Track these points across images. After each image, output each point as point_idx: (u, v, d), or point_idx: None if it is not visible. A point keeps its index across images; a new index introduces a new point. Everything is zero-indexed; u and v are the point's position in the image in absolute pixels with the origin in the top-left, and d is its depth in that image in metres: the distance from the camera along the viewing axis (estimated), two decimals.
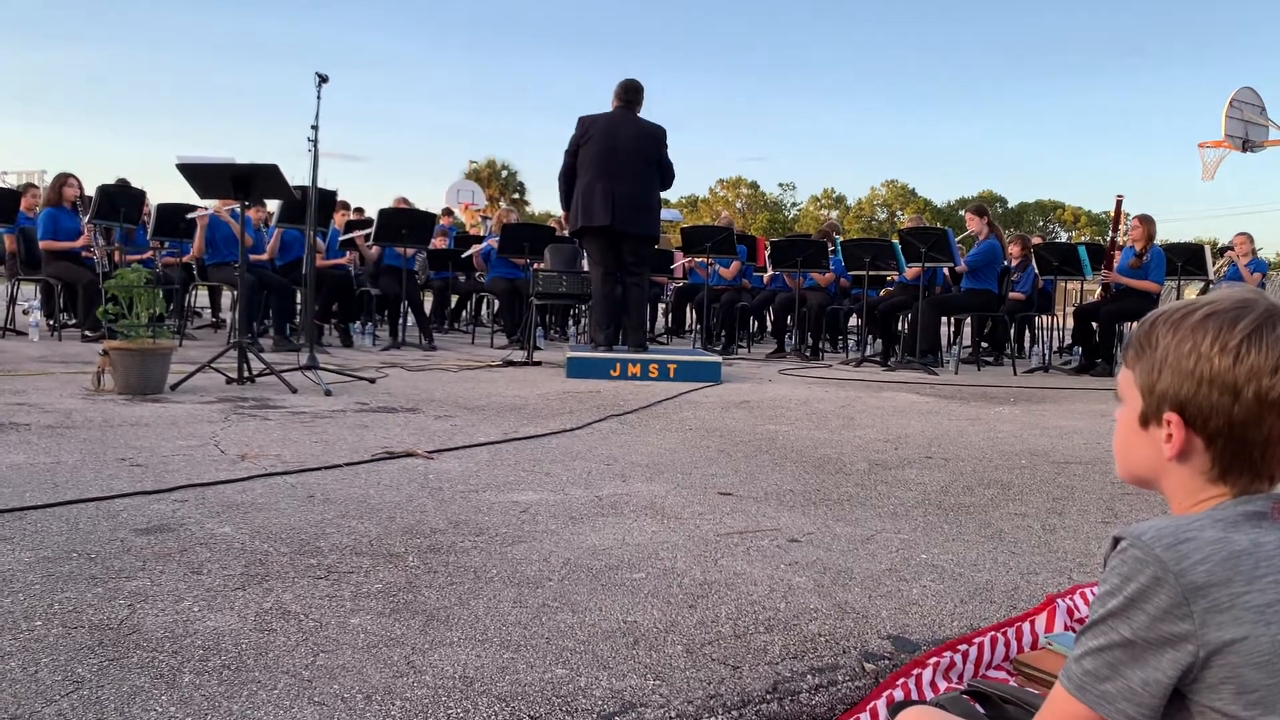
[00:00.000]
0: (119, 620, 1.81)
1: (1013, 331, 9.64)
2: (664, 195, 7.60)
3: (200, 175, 5.70)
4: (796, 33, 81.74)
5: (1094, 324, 8.62)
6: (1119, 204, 9.28)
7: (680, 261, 11.48)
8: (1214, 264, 9.87)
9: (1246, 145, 17.29)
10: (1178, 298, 9.38)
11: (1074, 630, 1.86)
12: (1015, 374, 8.35)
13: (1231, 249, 10.44)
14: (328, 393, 5.17)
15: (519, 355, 7.79)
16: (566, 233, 8.47)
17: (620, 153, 6.97)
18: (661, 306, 12.87)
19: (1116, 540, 0.96)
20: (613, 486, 3.20)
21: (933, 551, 2.54)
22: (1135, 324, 1.08)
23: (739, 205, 64.65)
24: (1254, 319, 0.95)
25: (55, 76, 75.48)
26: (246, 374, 5.46)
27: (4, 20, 74.23)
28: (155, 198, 9.35)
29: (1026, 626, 1.87)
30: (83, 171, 8.80)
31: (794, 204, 69.93)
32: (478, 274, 10.96)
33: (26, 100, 74.48)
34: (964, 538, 2.70)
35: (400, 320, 9.20)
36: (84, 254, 8.30)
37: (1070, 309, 10.47)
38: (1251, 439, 0.95)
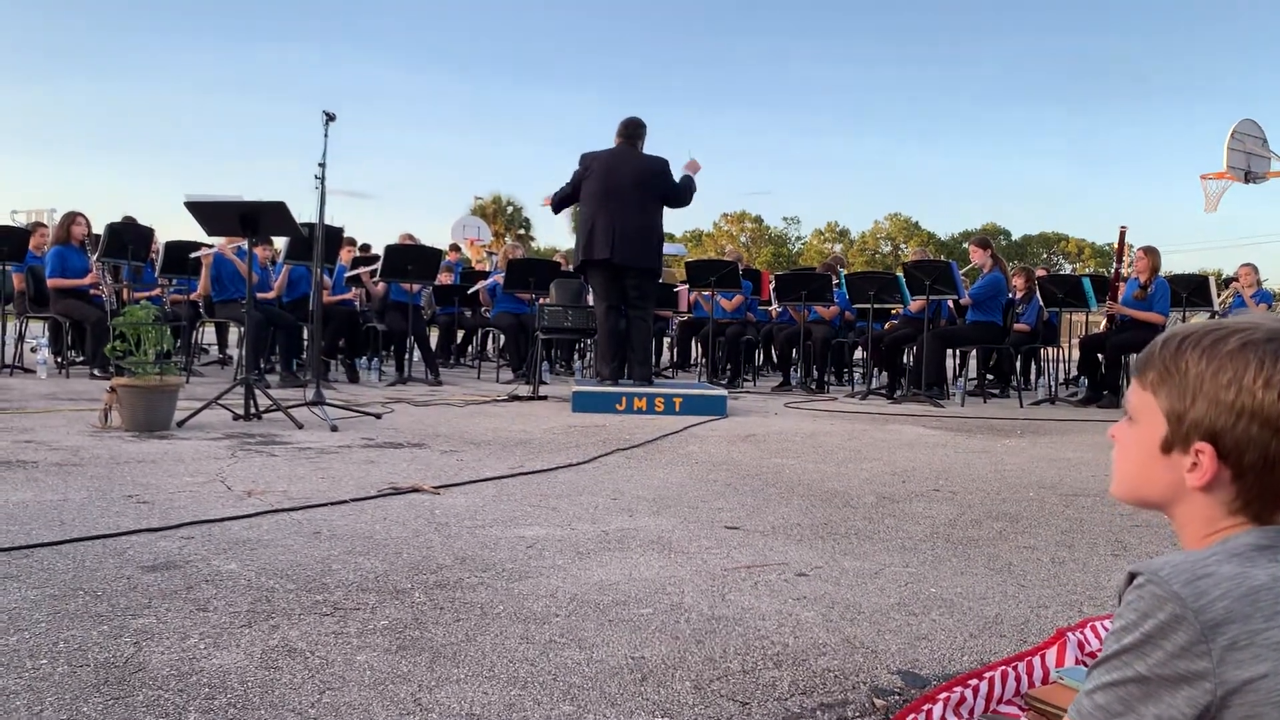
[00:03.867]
0: (125, 658, 1.81)
1: (1018, 364, 9.62)
2: (667, 230, 7.63)
3: (209, 213, 5.74)
4: (798, 67, 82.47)
5: (1100, 355, 8.61)
6: (1123, 235, 9.29)
7: (683, 292, 11.51)
8: (1219, 295, 9.86)
9: (1249, 177, 17.34)
10: None
11: (1085, 664, 1.84)
12: (1021, 406, 8.33)
13: (1236, 280, 10.43)
14: (334, 428, 5.17)
15: (524, 390, 7.80)
16: (571, 267, 8.51)
17: (621, 187, 7.01)
18: (667, 340, 12.88)
19: (1132, 575, 0.94)
20: (619, 521, 3.19)
21: (941, 585, 2.53)
22: (1152, 344, 1.06)
23: (743, 239, 64.86)
24: None
25: (64, 114, 76.37)
26: (253, 410, 5.47)
27: (11, 58, 74.98)
28: (164, 235, 9.42)
29: (1037, 661, 1.85)
30: (91, 209, 8.88)
31: (798, 238, 70.20)
32: (483, 309, 10.99)
33: (34, 138, 75.30)
34: (973, 571, 2.69)
35: (406, 355, 9.22)
36: (92, 292, 8.34)
37: (1075, 341, 10.45)
38: None
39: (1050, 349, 10.14)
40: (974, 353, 9.71)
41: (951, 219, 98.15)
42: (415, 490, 3.57)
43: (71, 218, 8.46)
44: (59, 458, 3.99)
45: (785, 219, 70.50)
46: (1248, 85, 71.01)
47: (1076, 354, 9.52)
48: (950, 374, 9.66)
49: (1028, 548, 3.00)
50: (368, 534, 2.87)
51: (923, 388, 8.48)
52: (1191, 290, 9.30)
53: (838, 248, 64.29)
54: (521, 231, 50.45)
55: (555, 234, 58.44)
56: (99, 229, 8.58)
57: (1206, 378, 0.96)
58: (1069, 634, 1.97)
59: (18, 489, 3.33)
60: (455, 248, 15.57)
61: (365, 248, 11.10)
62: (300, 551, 2.63)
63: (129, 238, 8.25)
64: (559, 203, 7.42)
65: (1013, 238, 66.93)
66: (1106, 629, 0.95)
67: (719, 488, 3.89)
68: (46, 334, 8.88)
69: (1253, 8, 74.24)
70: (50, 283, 8.23)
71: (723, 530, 3.10)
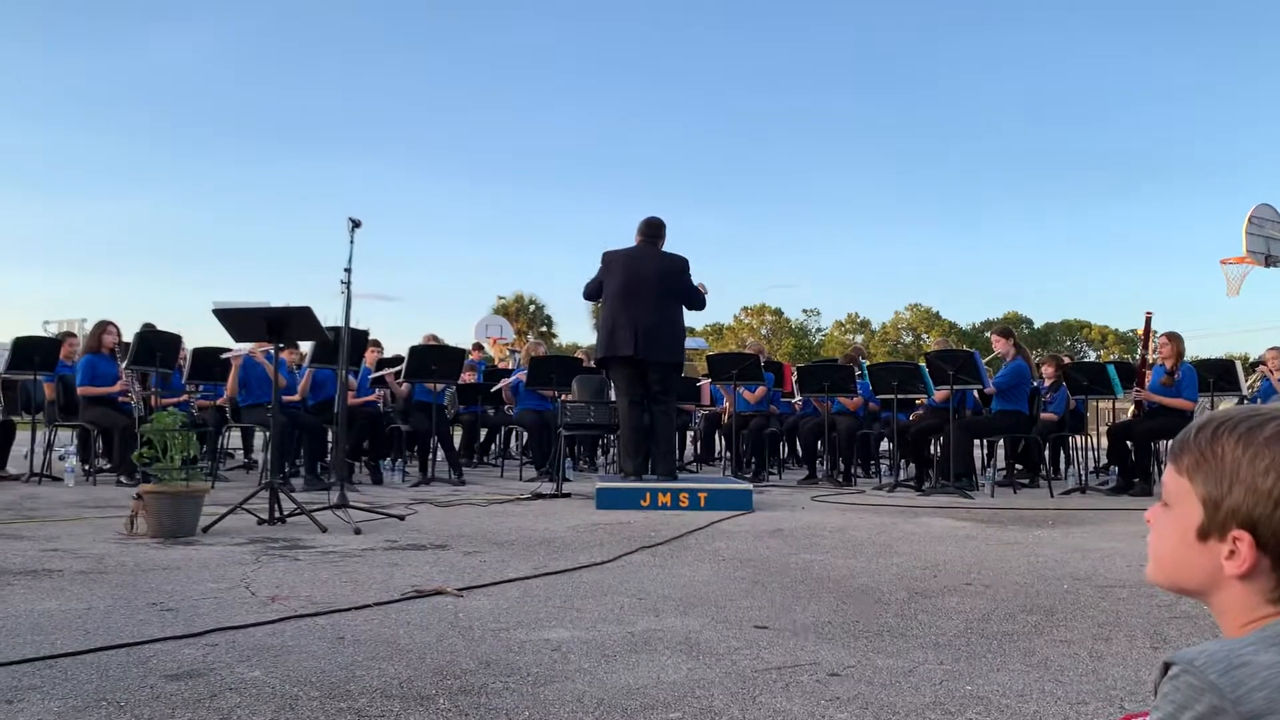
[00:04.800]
0: None
1: (1047, 452, 9.51)
2: (687, 324, 7.69)
3: (236, 320, 5.84)
4: (816, 161, 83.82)
5: (1129, 443, 8.51)
6: (1148, 321, 9.27)
7: (705, 386, 11.52)
8: (1246, 379, 9.77)
9: (1269, 260, 17.32)
10: None
11: None
12: (1052, 496, 8.22)
13: (1264, 364, 10.35)
14: (357, 531, 5.16)
15: (548, 488, 7.77)
16: (592, 363, 8.56)
17: (642, 285, 7.09)
18: (690, 434, 12.85)
19: (1167, 666, 0.92)
20: (645, 622, 3.14)
21: (977, 683, 2.46)
22: (1188, 428, 1.05)
23: (764, 332, 65.12)
24: None
25: (97, 229, 78.39)
26: (278, 514, 5.47)
27: (42, 175, 77.43)
28: (191, 342, 9.57)
29: None
30: (121, 318, 9.02)
31: (819, 329, 70.40)
32: (506, 407, 11.03)
33: (65, 251, 77.16)
34: (1009, 667, 2.62)
35: (430, 456, 9.23)
36: (120, 399, 8.45)
37: (1103, 428, 10.34)
38: None
39: (1078, 437, 10.03)
40: (1001, 442, 9.63)
41: (972, 308, 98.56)
42: (439, 593, 3.53)
43: (103, 327, 8.62)
44: (84, 566, 3.99)
45: (805, 311, 70.87)
46: (1263, 168, 71.45)
47: (1105, 442, 9.41)
48: (978, 464, 9.55)
49: (1064, 642, 2.93)
50: (391, 639, 2.84)
51: (951, 479, 8.39)
52: (1218, 375, 9.22)
53: (859, 338, 64.48)
54: (544, 329, 50.89)
55: (577, 331, 58.89)
56: (129, 337, 8.73)
57: (1243, 464, 0.95)
58: None
59: (43, 598, 3.32)
60: (479, 346, 15.72)
61: (379, 346, 11.21)
62: (324, 657, 2.60)
63: (157, 345, 8.39)
64: (590, 293, 7.51)
65: (1035, 325, 66.87)
66: None
67: (747, 585, 3.84)
68: (75, 442, 8.96)
69: (1262, 93, 75.22)
70: (80, 390, 8.34)
71: (751, 629, 3.05)
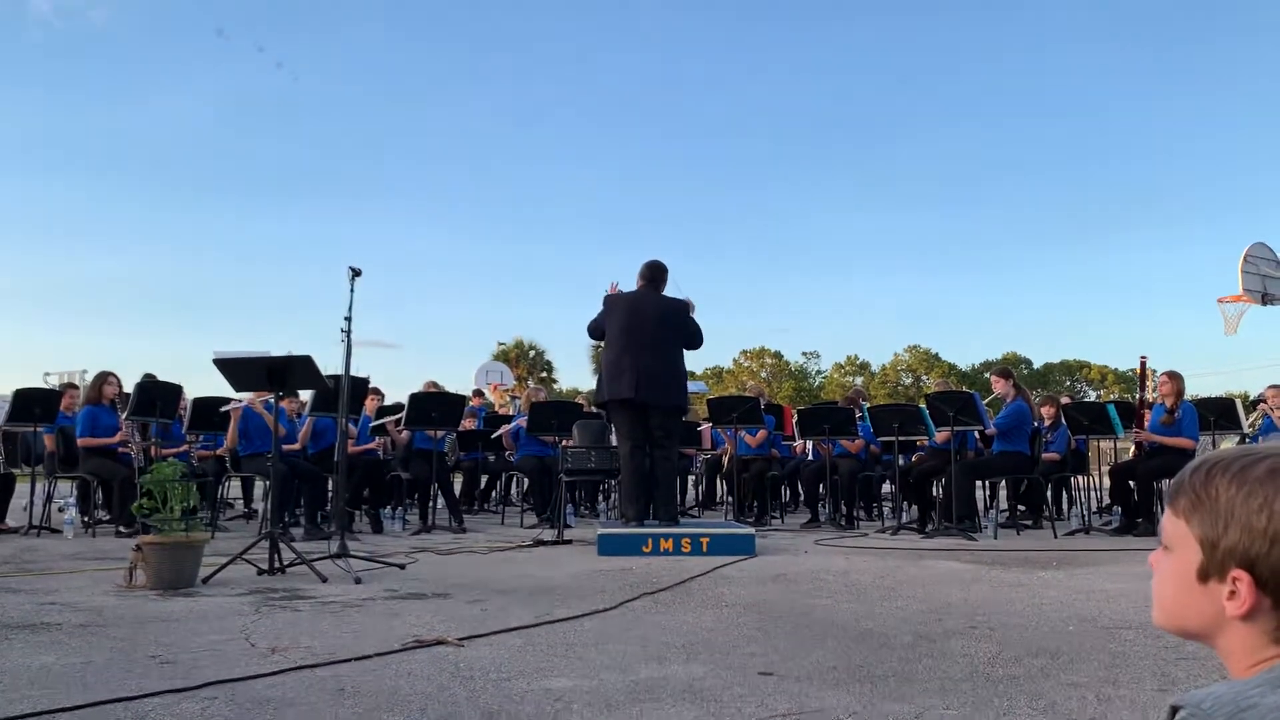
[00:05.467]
0: None
1: (1050, 493, 9.47)
2: (689, 368, 7.70)
3: (236, 369, 5.84)
4: (813, 204, 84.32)
5: (1132, 483, 8.48)
6: (1143, 365, 9.29)
7: (706, 430, 11.51)
8: (1247, 417, 9.76)
9: (1266, 299, 17.39)
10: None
11: None
12: (1056, 536, 8.17)
13: (1264, 401, 10.35)
14: (358, 581, 5.13)
15: (549, 534, 7.73)
16: (593, 408, 8.55)
17: (644, 328, 7.11)
18: (691, 478, 12.80)
19: (1175, 709, 0.92)
20: (649, 670, 3.11)
21: None
22: (1183, 471, 1.05)
23: (764, 375, 65.11)
24: None
25: (99, 280, 78.65)
26: (278, 564, 5.44)
27: (42, 228, 77.81)
28: (192, 392, 9.57)
29: None
30: (122, 369, 9.04)
31: (819, 371, 70.42)
32: (507, 453, 11.00)
33: (66, 302, 77.30)
34: (1016, 711, 2.60)
35: (430, 503, 9.20)
36: (120, 449, 8.43)
37: (1105, 468, 10.31)
38: None
39: (1081, 477, 10.00)
40: (1003, 483, 9.59)
41: (971, 349, 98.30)
42: (440, 642, 3.51)
43: (103, 378, 8.63)
44: (82, 619, 3.96)
45: (805, 354, 70.97)
46: (1258, 207, 71.94)
47: (1107, 482, 9.38)
48: (981, 506, 9.52)
49: (1071, 685, 2.90)
50: (392, 689, 2.81)
51: (954, 521, 8.35)
52: (1219, 414, 9.22)
53: (859, 381, 64.44)
54: (544, 375, 50.86)
55: (578, 376, 58.94)
56: (129, 388, 8.74)
57: (1238, 503, 0.95)
58: None
59: (41, 652, 3.30)
60: (479, 393, 15.71)
61: (379, 394, 11.22)
62: (324, 710, 2.58)
63: (158, 395, 8.39)
64: (594, 331, 7.52)
65: (1034, 366, 66.90)
66: None
67: (751, 631, 3.81)
68: (74, 494, 8.93)
69: (1256, 133, 75.92)
70: (80, 441, 8.32)
71: (756, 676, 3.02)
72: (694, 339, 7.40)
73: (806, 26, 78.41)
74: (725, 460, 10.68)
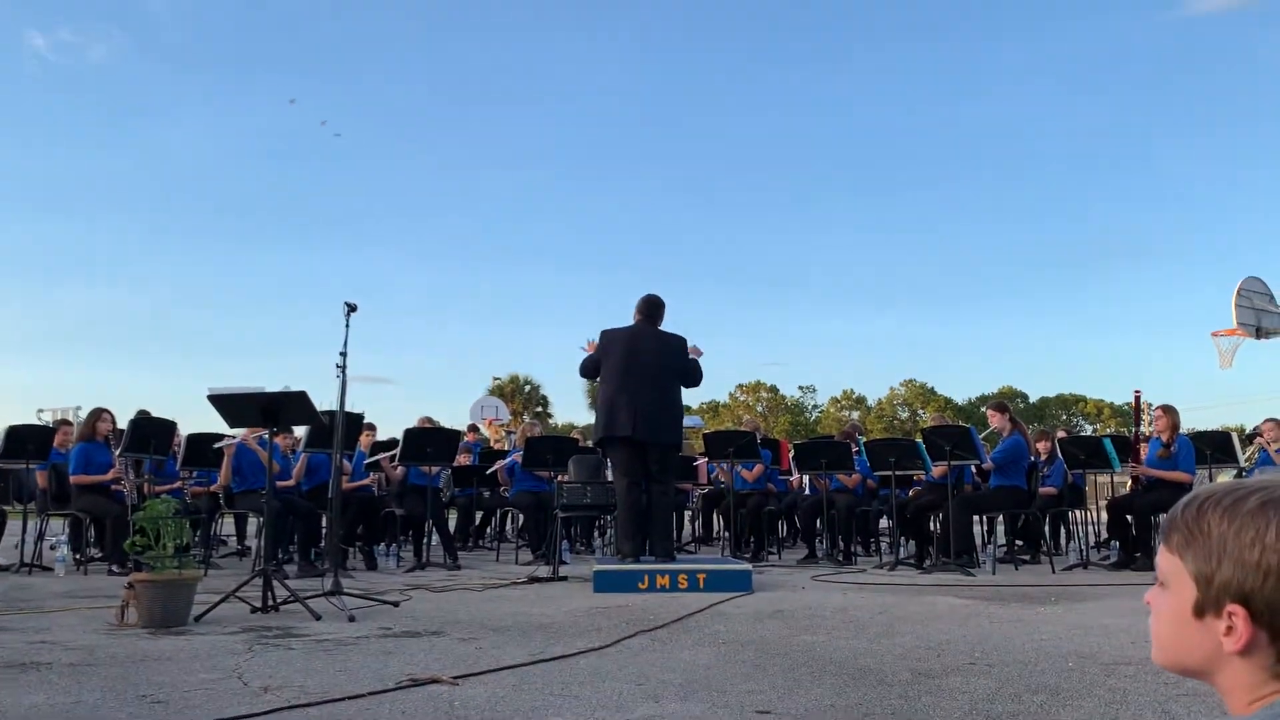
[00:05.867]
0: None
1: (1047, 528, 9.44)
2: (686, 402, 7.69)
3: (231, 405, 5.83)
4: (808, 239, 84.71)
5: (1129, 517, 8.46)
6: (1138, 399, 9.30)
7: (702, 465, 11.48)
8: (1244, 451, 9.76)
9: (1260, 332, 17.46)
10: None
11: None
12: (1054, 571, 8.14)
13: (1260, 435, 10.35)
14: (351, 618, 5.08)
15: (544, 571, 7.67)
16: (590, 443, 8.52)
17: (641, 364, 7.10)
18: (688, 514, 12.75)
19: None
20: (645, 708, 3.08)
21: None
22: (1175, 507, 1.04)
23: (760, 409, 65.11)
24: None
25: (92, 317, 78.60)
26: (271, 602, 5.39)
27: (35, 265, 77.89)
28: (186, 428, 9.54)
29: None
30: (116, 405, 9.03)
31: (815, 406, 70.42)
32: (502, 489, 10.96)
33: (60, 339, 77.23)
34: None
35: (425, 540, 9.14)
36: (114, 487, 8.39)
37: (1102, 502, 10.30)
38: None
39: (1078, 512, 9.97)
40: (1001, 518, 9.56)
41: (967, 383, 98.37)
42: (434, 681, 3.47)
43: (97, 414, 8.59)
44: (73, 658, 3.92)
45: (801, 388, 71.00)
46: (1251, 241, 72.40)
47: (1105, 516, 9.36)
48: (979, 540, 9.48)
49: None
50: None
51: (952, 556, 8.31)
52: (1215, 447, 9.21)
53: (855, 415, 64.43)
54: (539, 409, 50.80)
55: (573, 411, 58.74)
56: (123, 424, 8.71)
57: (1229, 538, 0.95)
58: None
59: (30, 691, 3.26)
60: (474, 428, 15.69)
61: (373, 429, 11.20)
62: None
63: (151, 432, 8.36)
64: (588, 370, 7.49)
65: (1030, 400, 66.95)
66: None
67: (748, 668, 3.77)
68: (66, 531, 8.87)
69: (1247, 168, 76.57)
70: (73, 479, 8.28)
71: (753, 715, 2.99)
72: (690, 376, 7.40)
73: (802, 62, 79.14)
74: (722, 479, 10.64)
